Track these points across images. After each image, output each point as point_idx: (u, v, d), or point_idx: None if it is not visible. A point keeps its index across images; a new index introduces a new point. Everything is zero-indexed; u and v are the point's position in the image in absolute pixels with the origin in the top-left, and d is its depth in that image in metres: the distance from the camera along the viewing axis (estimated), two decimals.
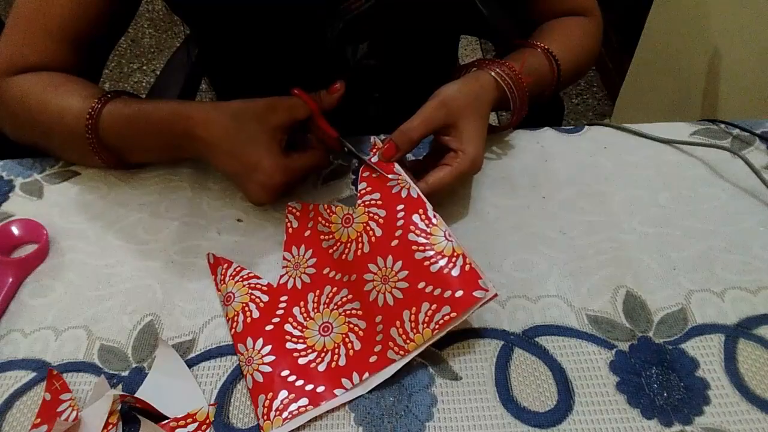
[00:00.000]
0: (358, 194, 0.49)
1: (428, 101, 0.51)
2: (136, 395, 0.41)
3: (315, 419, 0.41)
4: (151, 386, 0.43)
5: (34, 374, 0.44)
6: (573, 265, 0.49)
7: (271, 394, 0.41)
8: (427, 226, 0.45)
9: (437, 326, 0.42)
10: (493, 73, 0.54)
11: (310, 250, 0.50)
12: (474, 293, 0.41)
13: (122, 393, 0.41)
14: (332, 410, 0.41)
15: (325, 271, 0.48)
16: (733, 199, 0.54)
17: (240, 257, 0.51)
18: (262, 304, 0.47)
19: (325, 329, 0.45)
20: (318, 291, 0.48)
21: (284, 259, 0.50)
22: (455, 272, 0.42)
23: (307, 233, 0.51)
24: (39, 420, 0.41)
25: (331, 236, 0.49)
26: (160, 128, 0.51)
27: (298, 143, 0.54)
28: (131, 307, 0.48)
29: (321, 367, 0.43)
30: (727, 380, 0.42)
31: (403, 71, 0.66)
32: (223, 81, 0.75)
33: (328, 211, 0.50)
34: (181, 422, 0.41)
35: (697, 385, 0.42)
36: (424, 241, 0.44)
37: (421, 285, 0.43)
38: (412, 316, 0.42)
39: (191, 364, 0.44)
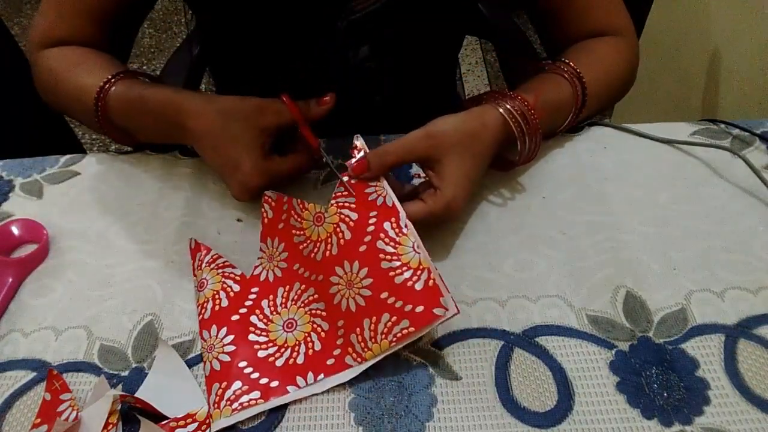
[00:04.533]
0: (334, 194, 0.48)
1: (417, 129, 0.49)
2: (136, 395, 0.41)
3: (314, 419, 0.41)
4: (151, 386, 0.43)
5: (34, 374, 0.44)
6: (573, 265, 0.49)
7: (225, 383, 0.42)
8: (397, 234, 0.44)
9: (395, 339, 0.41)
10: (501, 110, 0.50)
11: (283, 244, 0.50)
12: (434, 311, 0.41)
13: (122, 393, 0.41)
14: (332, 410, 0.41)
15: (296, 267, 0.48)
16: (733, 199, 0.54)
17: (240, 257, 0.51)
18: (232, 294, 0.47)
19: (289, 325, 0.46)
20: (288, 286, 0.48)
21: (260, 249, 0.51)
22: (418, 286, 0.42)
23: (281, 226, 0.50)
24: (39, 420, 0.41)
25: (302, 233, 0.49)
26: (156, 115, 0.53)
27: (287, 146, 0.54)
28: (131, 307, 0.48)
29: (279, 362, 0.44)
30: (727, 380, 0.42)
31: (405, 74, 0.66)
32: (224, 79, 0.75)
33: (301, 206, 0.49)
34: (181, 422, 0.41)
35: (697, 385, 0.42)
36: (392, 250, 0.43)
37: (384, 295, 0.42)
38: (372, 326, 0.42)
39: (191, 364, 0.44)
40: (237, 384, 0.42)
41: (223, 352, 0.44)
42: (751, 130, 0.59)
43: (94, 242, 0.53)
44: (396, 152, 0.48)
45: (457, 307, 0.41)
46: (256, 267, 0.50)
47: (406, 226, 0.45)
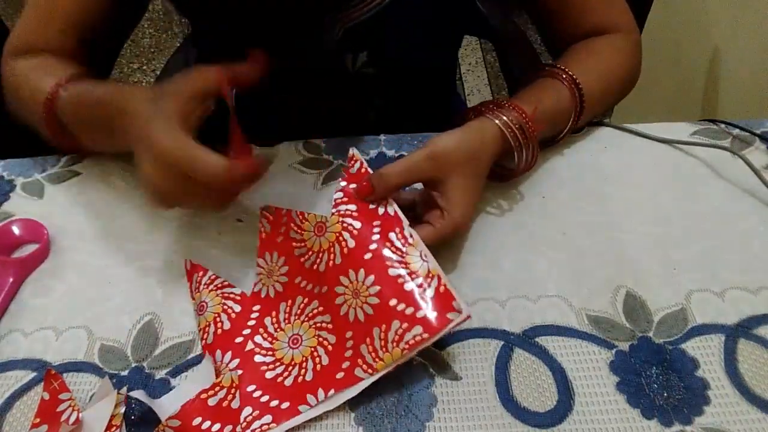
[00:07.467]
0: (334, 202, 0.47)
1: (419, 149, 0.48)
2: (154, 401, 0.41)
3: (314, 419, 0.41)
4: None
5: (34, 374, 0.44)
6: (573, 265, 0.49)
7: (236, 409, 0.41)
8: (403, 245, 0.44)
9: (407, 346, 0.40)
10: (499, 122, 0.50)
11: (283, 258, 0.48)
12: (447, 315, 0.41)
13: (126, 395, 0.41)
14: (332, 410, 0.41)
15: (297, 280, 0.47)
16: (733, 199, 0.54)
17: (239, 257, 0.51)
18: (233, 315, 0.46)
19: (295, 342, 0.44)
20: (290, 301, 0.46)
21: (258, 266, 0.49)
22: (429, 293, 0.41)
23: (280, 239, 0.49)
24: (38, 420, 0.41)
25: (303, 244, 0.47)
26: (100, 107, 0.49)
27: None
28: (131, 306, 0.48)
29: (288, 382, 0.42)
30: (727, 380, 0.42)
31: (404, 78, 0.65)
32: None
33: (301, 217, 0.48)
34: (211, 392, 0.41)
35: (697, 385, 0.42)
36: (399, 258, 0.43)
37: (393, 302, 0.41)
38: (382, 334, 0.41)
39: (191, 364, 0.44)
40: (247, 410, 0.41)
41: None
42: (751, 130, 0.59)
43: (94, 242, 0.53)
44: (400, 174, 0.47)
45: (468, 310, 0.41)
46: (255, 284, 0.48)
47: (411, 236, 0.44)
